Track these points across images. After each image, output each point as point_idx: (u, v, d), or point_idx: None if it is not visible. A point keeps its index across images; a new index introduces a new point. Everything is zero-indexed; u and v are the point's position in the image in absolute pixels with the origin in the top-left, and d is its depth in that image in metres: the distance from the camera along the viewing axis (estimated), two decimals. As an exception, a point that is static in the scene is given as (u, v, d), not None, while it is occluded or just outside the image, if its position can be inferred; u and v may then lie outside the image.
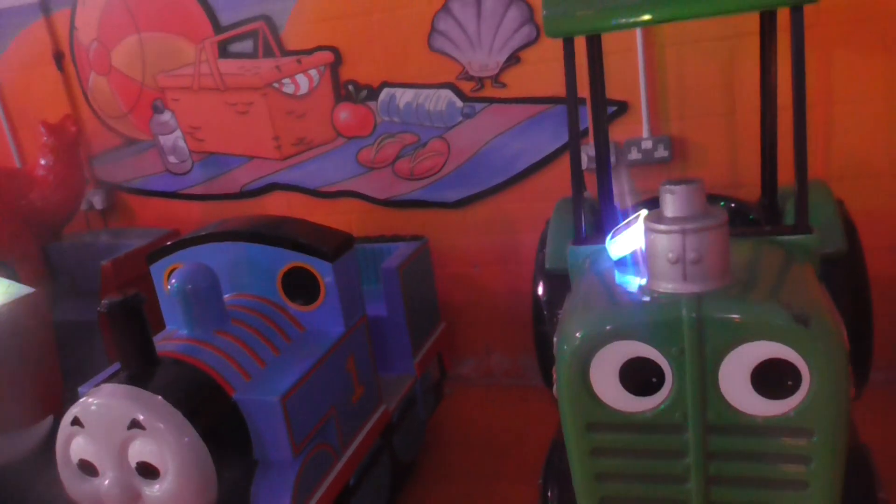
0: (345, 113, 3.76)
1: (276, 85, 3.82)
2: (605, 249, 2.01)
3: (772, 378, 1.55)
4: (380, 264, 3.18)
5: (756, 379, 1.55)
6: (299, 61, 3.74)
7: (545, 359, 2.71)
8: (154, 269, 2.76)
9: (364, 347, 2.74)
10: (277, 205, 4.06)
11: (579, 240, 2.16)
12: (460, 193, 3.71)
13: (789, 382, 1.53)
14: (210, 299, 2.42)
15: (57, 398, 3.19)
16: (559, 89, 3.40)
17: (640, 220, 1.84)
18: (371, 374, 2.79)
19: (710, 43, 3.12)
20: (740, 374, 1.56)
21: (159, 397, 2.08)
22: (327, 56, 3.69)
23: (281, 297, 2.62)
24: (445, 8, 3.42)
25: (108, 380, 2.20)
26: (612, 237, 1.89)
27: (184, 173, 4.22)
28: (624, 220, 2.06)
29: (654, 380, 1.63)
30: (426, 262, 3.36)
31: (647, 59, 3.20)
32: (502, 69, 3.45)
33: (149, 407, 2.06)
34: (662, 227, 1.61)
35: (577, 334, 1.67)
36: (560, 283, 2.56)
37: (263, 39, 3.76)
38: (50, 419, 3.14)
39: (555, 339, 1.83)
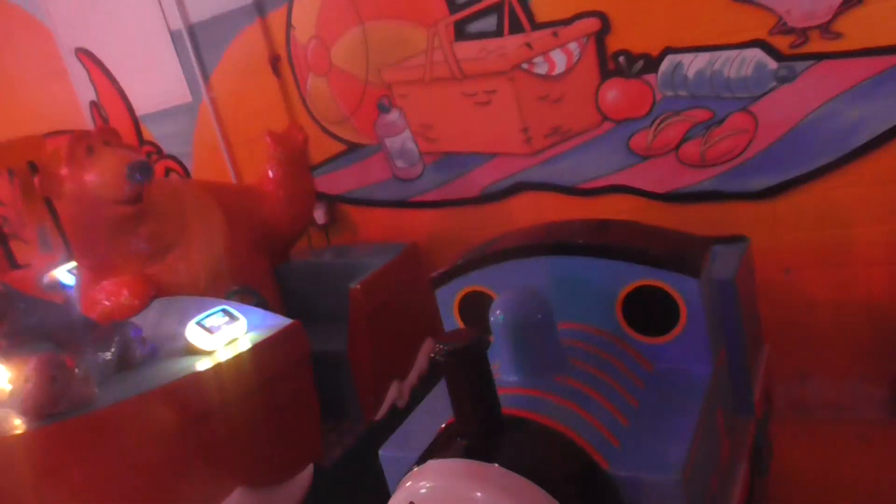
0: (613, 91, 3.10)
1: (525, 66, 3.22)
2: None
3: None
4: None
5: None
6: (556, 34, 3.12)
7: None
8: (441, 294, 2.22)
9: (727, 388, 2.06)
10: (525, 208, 3.47)
11: None
12: (770, 180, 2.94)
13: None
14: (546, 335, 1.82)
15: (317, 443, 2.76)
16: (924, 32, 2.56)
17: None
18: (733, 423, 2.09)
19: None
20: None
21: (523, 479, 1.49)
22: (592, 23, 3.04)
23: (621, 325, 1.98)
24: (757, -57, 2.68)
25: (440, 447, 1.64)
26: None
27: (414, 178, 3.73)
28: None
29: None
30: (751, 269, 2.62)
31: None
32: (837, 14, 2.65)
33: (512, 494, 1.47)
34: None
35: None
36: None
37: (510, 12, 3.18)
38: (310, 469, 2.70)
39: None
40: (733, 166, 2.99)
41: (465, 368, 1.54)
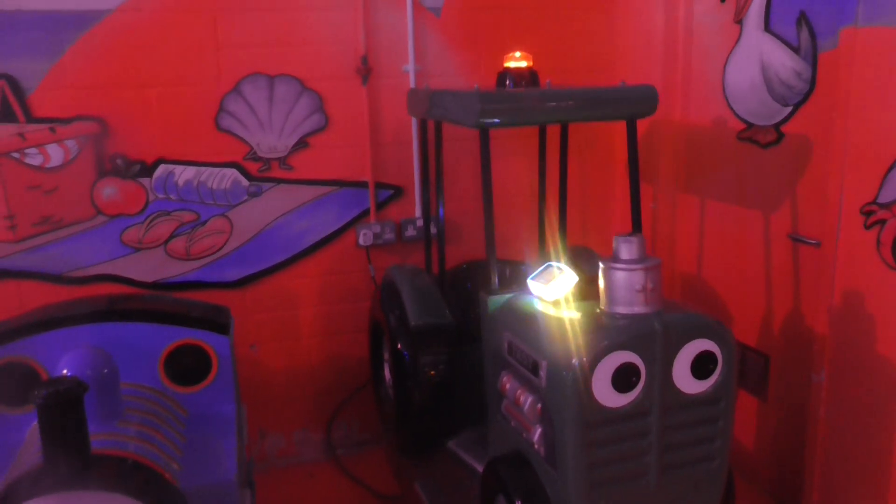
0: (109, 188, 3.44)
1: (16, 155, 3.30)
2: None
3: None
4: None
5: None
6: (53, 130, 3.32)
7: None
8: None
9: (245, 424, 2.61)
10: (2, 296, 3.40)
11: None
12: (242, 272, 3.69)
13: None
14: (112, 388, 2.09)
15: None
16: (343, 173, 3.74)
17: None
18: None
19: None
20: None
21: (118, 495, 1.77)
22: (91, 126, 3.36)
23: (162, 380, 2.36)
24: (236, 90, 3.49)
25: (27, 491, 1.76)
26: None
27: None
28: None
29: None
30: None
31: (419, 149, 3.74)
32: (291, 152, 3.64)
33: (113, 509, 1.74)
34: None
35: None
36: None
37: (3, 102, 3.24)
38: None
39: None
40: (213, 261, 3.64)
41: (64, 410, 1.76)
